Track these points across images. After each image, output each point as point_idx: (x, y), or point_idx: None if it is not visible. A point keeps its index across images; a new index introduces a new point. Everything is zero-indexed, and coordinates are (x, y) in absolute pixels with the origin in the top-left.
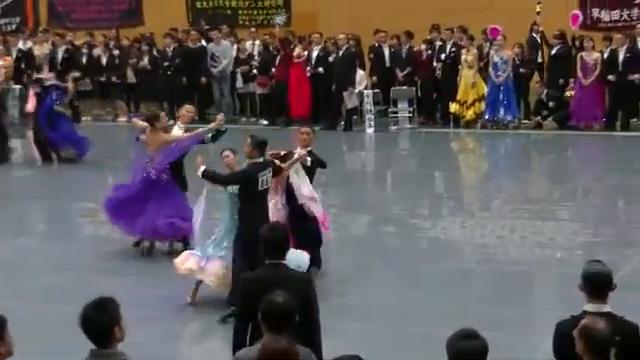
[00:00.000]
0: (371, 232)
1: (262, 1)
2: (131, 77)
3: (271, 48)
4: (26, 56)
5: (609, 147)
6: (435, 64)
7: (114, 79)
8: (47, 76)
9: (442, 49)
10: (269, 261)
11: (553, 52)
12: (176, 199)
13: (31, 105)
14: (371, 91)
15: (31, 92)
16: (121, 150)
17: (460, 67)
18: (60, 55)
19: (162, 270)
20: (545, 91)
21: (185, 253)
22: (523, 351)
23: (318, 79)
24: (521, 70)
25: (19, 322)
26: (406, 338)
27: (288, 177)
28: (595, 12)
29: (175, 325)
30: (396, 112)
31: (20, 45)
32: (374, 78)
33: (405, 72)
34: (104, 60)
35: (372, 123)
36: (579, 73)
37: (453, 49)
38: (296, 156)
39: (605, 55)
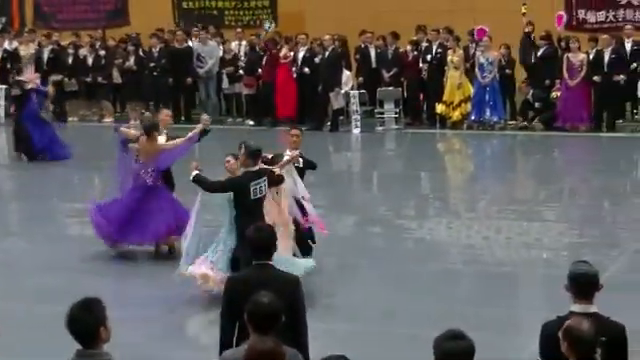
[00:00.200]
0: (357, 233)
1: (248, 2)
2: (117, 77)
3: (257, 49)
4: (11, 56)
5: (595, 148)
6: (421, 65)
7: (100, 79)
8: (30, 77)
9: (428, 50)
10: (256, 262)
11: (539, 53)
12: (174, 202)
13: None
14: (357, 92)
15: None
16: (107, 150)
17: (446, 68)
18: (46, 55)
19: (149, 271)
20: (531, 92)
21: (201, 258)
22: (509, 352)
23: (304, 80)
24: (507, 71)
25: (7, 322)
26: (392, 339)
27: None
28: (581, 13)
29: (161, 325)
30: (382, 113)
31: (6, 45)
32: (360, 79)
33: (391, 73)
34: (90, 60)
35: (358, 124)
36: (565, 74)
37: (439, 50)
38: (287, 157)
39: (591, 56)
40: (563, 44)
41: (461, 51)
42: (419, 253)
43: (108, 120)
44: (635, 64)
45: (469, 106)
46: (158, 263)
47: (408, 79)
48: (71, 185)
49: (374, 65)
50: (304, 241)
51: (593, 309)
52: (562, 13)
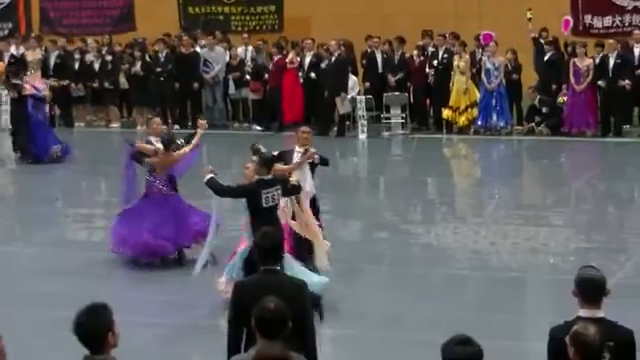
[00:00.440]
0: (364, 238)
1: (255, 7)
2: (123, 83)
3: (263, 54)
4: (18, 62)
5: (602, 153)
6: (427, 70)
7: (106, 85)
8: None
9: (434, 55)
10: (263, 267)
11: (545, 58)
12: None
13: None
14: (364, 97)
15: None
16: (114, 156)
17: (452, 73)
18: (52, 61)
19: (156, 276)
20: (537, 97)
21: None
22: (517, 357)
23: (310, 85)
24: (513, 76)
25: (12, 328)
26: (399, 344)
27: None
28: (587, 18)
29: (169, 330)
30: (389, 118)
31: (12, 50)
32: (366, 84)
33: (397, 77)
34: (96, 66)
35: (365, 129)
36: (571, 79)
37: (445, 55)
38: (307, 154)
39: (597, 61)
40: (570, 49)
41: (467, 56)
42: (426, 258)
43: (115, 125)
44: None
45: (475, 111)
46: (166, 268)
47: (414, 84)
48: (77, 190)
49: (380, 70)
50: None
51: (600, 314)
52: (569, 18)
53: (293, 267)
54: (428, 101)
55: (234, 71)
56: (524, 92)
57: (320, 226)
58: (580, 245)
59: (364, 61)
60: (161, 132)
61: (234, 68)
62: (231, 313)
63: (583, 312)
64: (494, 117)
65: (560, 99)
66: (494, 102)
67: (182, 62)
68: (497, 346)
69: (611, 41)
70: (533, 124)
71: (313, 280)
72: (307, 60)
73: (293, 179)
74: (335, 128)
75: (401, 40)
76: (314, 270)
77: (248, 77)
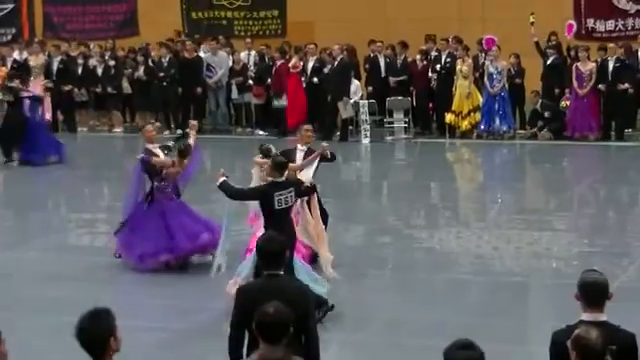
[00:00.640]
0: (367, 243)
1: (257, 12)
2: (127, 88)
3: (266, 59)
4: (22, 67)
5: (604, 157)
6: (430, 74)
7: (109, 90)
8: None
9: (437, 59)
10: (266, 272)
11: (548, 62)
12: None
13: None
14: (366, 101)
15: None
16: (117, 160)
17: (455, 77)
18: (55, 66)
19: (159, 280)
20: (540, 101)
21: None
22: None
23: (314, 89)
24: (516, 80)
25: (15, 333)
26: (402, 349)
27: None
28: (590, 22)
29: (171, 335)
30: (392, 122)
31: (15, 55)
32: (369, 88)
33: (399, 78)
34: (99, 71)
35: (368, 133)
36: (574, 83)
37: (448, 59)
38: (320, 148)
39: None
40: (572, 53)
41: (470, 60)
42: (429, 263)
43: (118, 130)
44: None
45: (478, 115)
46: (169, 273)
47: (417, 88)
48: (80, 195)
49: (383, 74)
50: None
51: (603, 318)
52: (572, 22)
53: (299, 272)
54: (431, 105)
55: (237, 76)
56: (527, 96)
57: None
58: (583, 249)
59: (367, 65)
60: (154, 139)
61: (237, 73)
62: (234, 317)
63: (586, 316)
64: (497, 121)
65: (563, 103)
66: (497, 106)
67: (185, 67)
68: (500, 350)
69: (611, 45)
70: (536, 128)
71: (318, 283)
72: (310, 65)
73: (302, 175)
74: (338, 133)
75: (404, 45)
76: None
77: (251, 82)
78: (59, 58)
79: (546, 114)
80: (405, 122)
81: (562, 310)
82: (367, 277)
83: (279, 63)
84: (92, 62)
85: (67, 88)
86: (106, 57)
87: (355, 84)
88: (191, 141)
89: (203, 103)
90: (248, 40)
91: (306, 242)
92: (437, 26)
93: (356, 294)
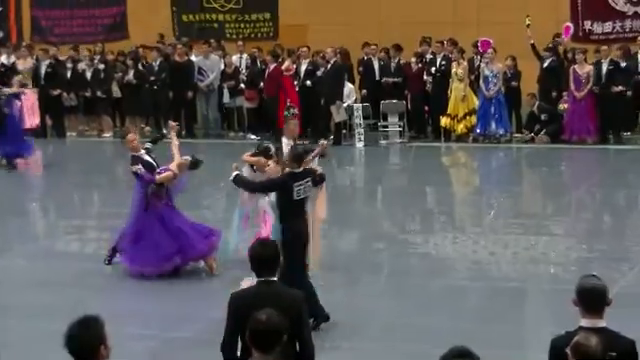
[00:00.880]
0: (361, 248)
1: (249, 14)
2: (116, 92)
3: (258, 62)
4: (9, 71)
5: (602, 161)
6: (425, 77)
7: (99, 94)
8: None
9: (432, 62)
10: (259, 278)
11: (545, 65)
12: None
13: None
14: (360, 105)
15: None
16: (107, 166)
17: (450, 80)
18: (43, 70)
19: (151, 287)
20: (537, 104)
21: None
22: None
23: (307, 93)
24: (513, 83)
25: (2, 341)
26: (397, 356)
27: None
28: (587, 24)
29: (162, 342)
30: (386, 126)
31: (3, 59)
32: (363, 92)
33: (393, 80)
34: (89, 74)
35: (362, 137)
36: (572, 86)
37: (443, 62)
38: (321, 146)
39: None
40: (570, 56)
41: (465, 63)
42: (424, 268)
43: (107, 135)
44: None
45: (474, 119)
46: (162, 279)
47: (412, 92)
48: (69, 201)
49: (378, 77)
50: None
51: (602, 324)
52: (569, 24)
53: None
54: (426, 109)
55: (229, 79)
56: (523, 99)
57: None
58: (581, 254)
59: (361, 68)
60: (138, 148)
61: (229, 76)
62: (227, 325)
63: (585, 322)
64: (493, 125)
65: (561, 106)
66: (493, 110)
67: (176, 70)
68: (497, 357)
69: (604, 47)
70: (533, 132)
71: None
72: (303, 68)
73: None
74: (331, 137)
75: (398, 47)
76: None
77: (243, 86)
78: (47, 62)
79: (543, 117)
80: (400, 126)
81: (560, 316)
82: (361, 283)
83: (272, 66)
84: (81, 66)
85: (56, 92)
86: (95, 61)
87: (349, 87)
88: (174, 139)
89: (194, 107)
90: (240, 43)
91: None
92: (432, 29)
93: (350, 300)
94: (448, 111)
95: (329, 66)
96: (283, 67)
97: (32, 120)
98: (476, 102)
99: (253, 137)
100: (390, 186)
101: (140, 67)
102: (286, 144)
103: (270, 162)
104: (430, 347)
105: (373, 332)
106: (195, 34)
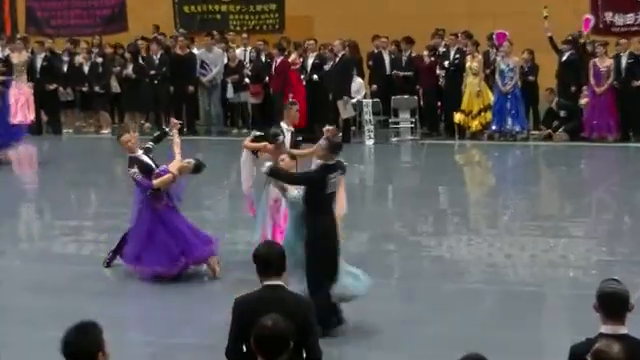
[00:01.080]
0: (371, 250)
1: (254, 5)
2: (115, 86)
3: (263, 55)
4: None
5: (624, 159)
6: (438, 72)
7: (97, 89)
8: None
9: (445, 55)
10: (265, 282)
11: (563, 58)
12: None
13: None
14: (370, 100)
15: None
16: (105, 164)
17: (465, 75)
18: (39, 63)
19: (150, 291)
20: (556, 100)
21: None
22: None
23: (314, 88)
24: (530, 78)
25: None
26: None
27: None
28: (608, 16)
29: (163, 348)
30: (397, 123)
31: None
32: (373, 86)
33: (404, 73)
34: (86, 68)
35: (372, 134)
36: (592, 81)
37: (457, 56)
38: (330, 132)
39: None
40: (590, 49)
41: (480, 57)
42: (437, 272)
43: (105, 132)
44: None
45: (489, 115)
46: (162, 283)
47: (424, 86)
48: (66, 201)
49: (388, 72)
50: None
51: (624, 330)
52: (589, 17)
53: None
54: (439, 104)
55: (232, 74)
56: (541, 94)
57: None
58: (602, 257)
59: (370, 62)
60: (134, 148)
61: (232, 70)
62: (231, 330)
63: (605, 328)
64: (509, 121)
65: (582, 101)
66: (509, 105)
67: (177, 64)
68: None
69: (623, 40)
70: (551, 129)
71: (361, 279)
72: (310, 61)
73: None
74: (340, 134)
75: (409, 40)
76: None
77: (247, 80)
78: (43, 55)
79: (562, 113)
80: (411, 122)
81: (579, 322)
82: (371, 286)
83: (279, 60)
84: (78, 59)
85: (52, 87)
86: (93, 54)
87: (358, 82)
88: (176, 137)
89: (196, 103)
90: (244, 35)
91: None
92: (445, 20)
93: (360, 304)
94: (462, 107)
95: (337, 60)
96: (290, 59)
97: (27, 116)
98: (491, 97)
99: (258, 134)
100: (401, 185)
101: (140, 60)
102: (286, 130)
103: (284, 156)
104: (443, 354)
105: (383, 338)
106: (197, 26)
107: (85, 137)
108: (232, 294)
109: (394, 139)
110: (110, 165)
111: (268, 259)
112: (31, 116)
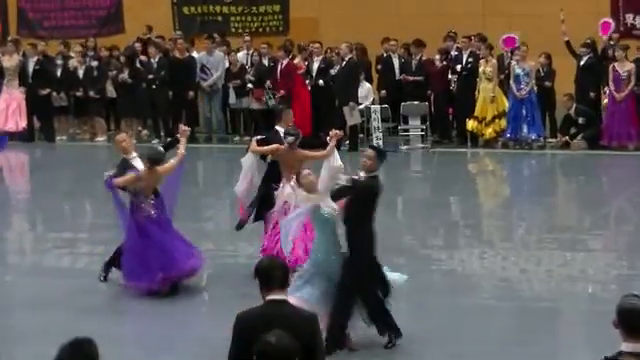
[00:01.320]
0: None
1: (257, 7)
2: (111, 91)
3: (266, 59)
4: None
5: None
6: (450, 76)
7: (92, 94)
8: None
9: (458, 59)
10: (268, 297)
11: (582, 63)
12: (178, 233)
13: None
14: (379, 106)
15: None
16: (100, 173)
17: (478, 79)
18: (31, 67)
19: (146, 307)
20: (574, 106)
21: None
22: None
23: (319, 93)
24: (546, 83)
25: None
26: None
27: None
28: (629, 18)
29: None
30: (407, 130)
31: None
32: (382, 92)
33: (414, 78)
34: (80, 72)
35: (380, 142)
36: (611, 86)
37: (470, 59)
38: (336, 136)
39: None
40: (610, 52)
41: (495, 60)
42: (449, 287)
43: (101, 139)
44: None
45: (504, 122)
46: (158, 299)
47: (435, 92)
48: (60, 212)
49: (398, 76)
50: None
51: None
52: (609, 20)
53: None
54: (451, 111)
55: (234, 78)
56: (558, 100)
57: None
58: (622, 272)
59: (379, 66)
60: (129, 150)
61: (234, 75)
62: (232, 348)
63: (626, 346)
64: (524, 129)
65: (604, 102)
66: (524, 112)
67: (176, 68)
68: None
69: None
70: (568, 137)
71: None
72: (315, 66)
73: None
74: (347, 141)
75: (420, 43)
76: None
77: (251, 85)
78: (35, 58)
79: (580, 120)
80: (422, 129)
81: (598, 339)
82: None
83: (284, 62)
84: (72, 63)
85: (44, 92)
86: (88, 57)
87: (366, 87)
88: (182, 148)
89: (196, 108)
90: (247, 38)
91: None
92: (458, 23)
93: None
94: (475, 113)
95: (343, 64)
96: (295, 61)
97: (18, 122)
98: (506, 103)
99: (260, 138)
100: (411, 196)
101: (137, 64)
102: (282, 133)
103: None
104: None
105: (392, 355)
106: (197, 28)
107: (80, 144)
108: (233, 309)
109: (404, 147)
110: (106, 174)
111: (270, 272)
112: (23, 123)
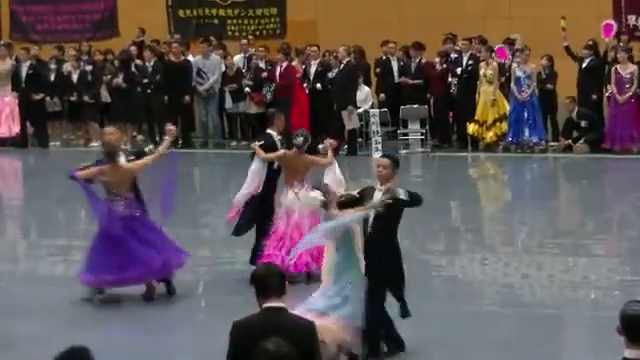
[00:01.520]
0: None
1: (254, 9)
2: (105, 96)
3: (263, 62)
4: None
5: None
6: (450, 79)
7: (86, 98)
8: None
9: (458, 62)
10: (265, 304)
11: (584, 65)
12: (160, 232)
13: None
14: (377, 110)
15: None
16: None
17: (478, 82)
18: (24, 71)
19: (143, 316)
20: (576, 109)
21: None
22: None
23: (317, 97)
24: (548, 86)
25: None
26: None
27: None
28: (631, 19)
29: None
30: (406, 134)
31: None
32: (381, 95)
33: (414, 81)
34: (74, 77)
35: (379, 146)
36: (613, 88)
37: (471, 62)
38: (331, 144)
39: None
40: (612, 54)
41: (495, 63)
42: (449, 293)
43: (95, 144)
44: None
45: (505, 125)
46: (155, 307)
47: (435, 95)
48: (53, 219)
49: (397, 80)
50: None
51: None
52: (611, 22)
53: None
54: (451, 114)
55: (231, 82)
56: (560, 103)
57: None
58: (625, 277)
59: (378, 70)
60: (118, 141)
61: (231, 79)
62: (229, 355)
63: (629, 353)
64: (526, 132)
65: (607, 93)
66: (526, 115)
67: (172, 72)
68: None
69: None
70: (570, 140)
71: None
72: (313, 69)
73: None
74: (345, 146)
75: (419, 46)
76: None
77: (248, 89)
78: (28, 63)
79: (582, 123)
80: (421, 133)
81: (601, 346)
82: None
83: (284, 65)
84: (66, 67)
85: (38, 97)
86: (82, 61)
87: (364, 91)
88: (161, 148)
89: (192, 113)
90: (243, 41)
91: None
92: (457, 25)
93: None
94: (476, 117)
95: (341, 67)
96: (294, 63)
97: (11, 128)
98: (507, 107)
99: (259, 143)
100: None
101: (132, 68)
102: (276, 137)
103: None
104: None
105: None
106: (193, 31)
107: (74, 150)
108: (230, 316)
109: (403, 151)
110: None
111: (266, 280)
112: (16, 128)
